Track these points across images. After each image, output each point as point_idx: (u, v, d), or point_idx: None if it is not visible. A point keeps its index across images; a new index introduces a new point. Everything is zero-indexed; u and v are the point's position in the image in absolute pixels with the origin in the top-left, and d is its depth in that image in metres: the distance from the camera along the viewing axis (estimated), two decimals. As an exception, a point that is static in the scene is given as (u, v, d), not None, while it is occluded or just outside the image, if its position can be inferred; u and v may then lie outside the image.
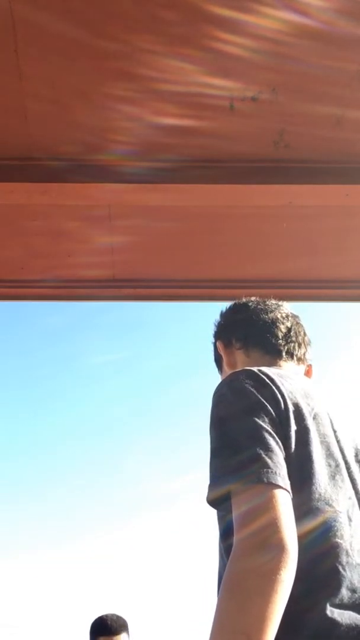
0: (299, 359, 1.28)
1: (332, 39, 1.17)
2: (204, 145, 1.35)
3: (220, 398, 1.05)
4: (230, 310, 1.38)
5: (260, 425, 0.96)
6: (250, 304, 1.35)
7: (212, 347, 1.40)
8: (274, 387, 1.04)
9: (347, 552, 0.93)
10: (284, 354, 1.26)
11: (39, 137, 1.32)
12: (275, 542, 0.83)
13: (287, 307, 1.35)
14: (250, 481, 0.89)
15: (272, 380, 1.06)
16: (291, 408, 1.02)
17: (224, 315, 1.38)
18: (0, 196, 1.40)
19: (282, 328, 1.29)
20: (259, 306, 1.33)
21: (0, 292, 1.81)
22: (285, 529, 0.85)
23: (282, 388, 1.05)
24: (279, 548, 0.83)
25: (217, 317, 1.39)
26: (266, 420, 0.98)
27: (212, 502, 0.96)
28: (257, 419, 0.97)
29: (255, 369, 1.09)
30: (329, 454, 1.04)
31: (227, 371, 1.28)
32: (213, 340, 1.38)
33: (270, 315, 1.30)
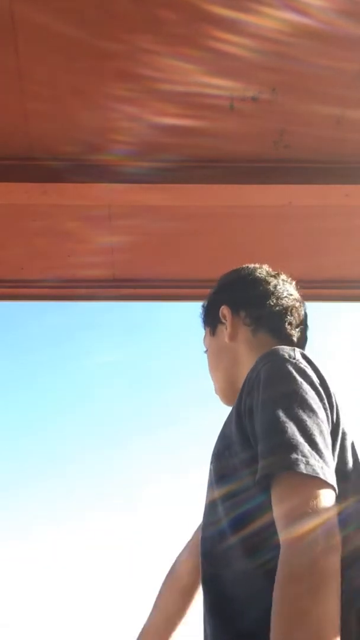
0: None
1: (332, 39, 1.17)
2: (204, 145, 1.35)
3: (282, 373, 0.97)
4: (245, 278, 1.27)
5: (322, 421, 0.92)
6: (269, 278, 1.25)
7: (206, 306, 1.29)
8: (325, 379, 0.99)
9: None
10: (293, 342, 1.19)
11: (39, 137, 1.32)
12: (333, 542, 0.82)
13: (295, 288, 1.27)
14: (313, 473, 0.85)
15: (321, 370, 1.00)
16: (336, 401, 0.98)
17: (237, 282, 1.27)
18: (0, 196, 1.40)
19: (297, 317, 1.22)
20: (278, 286, 1.24)
21: (0, 292, 1.81)
22: (336, 525, 0.84)
23: (328, 380, 0.99)
24: (336, 548, 0.82)
25: (228, 278, 1.29)
26: (324, 413, 0.94)
27: (260, 482, 0.90)
28: (319, 411, 0.93)
29: (308, 355, 1.02)
30: (355, 450, 1.01)
31: (224, 343, 1.21)
32: (214, 301, 1.27)
33: (290, 299, 1.23)
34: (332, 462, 0.90)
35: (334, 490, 0.87)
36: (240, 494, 1.01)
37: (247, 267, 1.29)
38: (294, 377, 0.96)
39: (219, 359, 1.23)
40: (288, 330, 1.20)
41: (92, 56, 1.18)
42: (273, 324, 1.20)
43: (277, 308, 1.21)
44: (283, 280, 1.26)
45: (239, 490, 1.01)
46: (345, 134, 1.33)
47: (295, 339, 1.20)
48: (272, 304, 1.21)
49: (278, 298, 1.22)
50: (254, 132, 1.33)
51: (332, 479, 0.87)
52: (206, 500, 1.12)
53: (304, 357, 1.02)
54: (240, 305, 1.22)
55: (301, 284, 1.79)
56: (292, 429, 0.90)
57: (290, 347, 1.04)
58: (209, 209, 1.56)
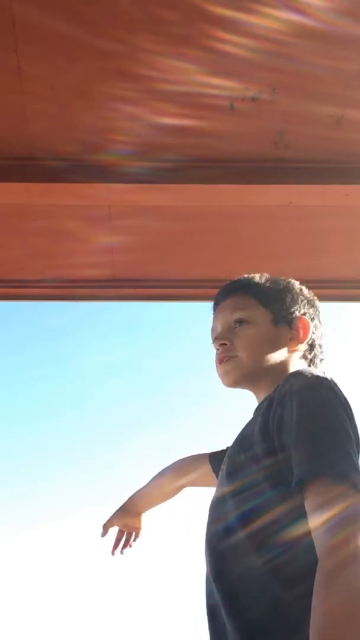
0: None
1: (332, 39, 1.17)
2: (204, 145, 1.35)
3: (324, 394, 1.02)
4: (320, 313, 1.32)
5: (352, 439, 0.98)
6: (315, 302, 1.31)
7: (277, 298, 1.26)
8: (351, 407, 1.04)
9: None
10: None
11: (39, 137, 1.32)
12: None
13: None
14: (347, 479, 0.91)
15: (348, 399, 1.05)
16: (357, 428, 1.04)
17: (318, 310, 1.31)
18: (0, 196, 1.40)
19: (326, 343, 1.30)
20: (319, 309, 1.31)
21: (0, 292, 1.81)
22: None
23: (352, 408, 1.05)
24: None
25: (310, 294, 1.31)
26: (353, 434, 0.99)
27: (297, 484, 0.94)
28: (350, 432, 0.98)
29: (334, 383, 1.07)
30: None
31: (286, 339, 1.22)
32: (292, 303, 1.26)
33: (325, 327, 1.31)
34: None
35: None
36: (250, 489, 1.03)
37: (306, 288, 1.34)
38: (336, 403, 1.01)
39: (269, 345, 1.21)
40: (321, 357, 1.27)
41: (92, 56, 1.18)
42: (317, 357, 1.27)
43: (323, 348, 1.29)
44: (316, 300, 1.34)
45: (249, 485, 1.03)
46: (345, 134, 1.33)
47: (321, 360, 1.28)
48: (324, 343, 1.29)
49: (321, 321, 1.30)
50: (254, 132, 1.33)
51: None
52: (214, 496, 1.14)
53: (344, 396, 1.06)
54: (315, 329, 1.26)
55: (301, 284, 1.79)
56: (329, 441, 0.96)
57: (321, 371, 1.12)
58: (209, 209, 1.56)
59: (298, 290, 1.31)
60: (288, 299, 1.27)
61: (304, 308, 1.28)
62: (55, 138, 1.33)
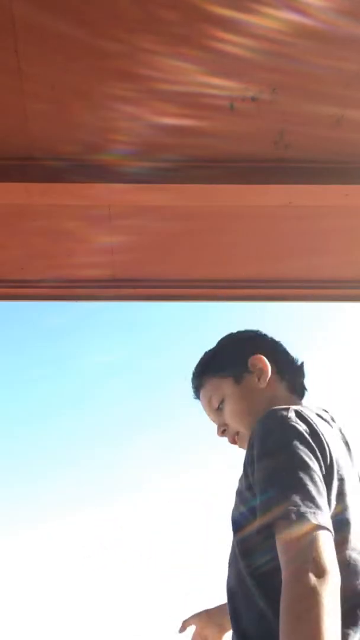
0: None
1: (332, 39, 1.17)
2: (204, 145, 1.35)
3: (278, 430, 1.10)
4: (263, 336, 1.42)
5: (314, 470, 1.04)
6: (259, 333, 1.43)
7: (224, 354, 1.39)
8: (320, 434, 1.10)
9: None
10: (304, 397, 1.35)
11: (39, 137, 1.32)
12: (331, 577, 0.93)
13: None
14: (305, 520, 0.98)
15: (317, 425, 1.12)
16: (331, 453, 1.10)
17: (258, 337, 1.41)
18: (0, 196, 1.40)
19: (306, 372, 1.38)
20: (266, 336, 1.42)
21: (0, 292, 1.81)
22: (332, 563, 0.95)
23: (325, 434, 1.11)
24: (332, 582, 0.93)
25: (243, 334, 1.42)
26: (316, 464, 1.05)
27: (261, 531, 1.03)
28: (310, 462, 1.04)
29: (303, 412, 1.14)
30: (348, 496, 1.12)
31: (256, 389, 1.31)
32: (241, 350, 1.37)
33: (296, 358, 1.38)
34: (325, 506, 1.01)
35: (329, 531, 0.99)
36: (242, 527, 1.15)
37: (249, 329, 1.45)
38: (287, 435, 1.08)
39: (251, 404, 1.30)
40: (302, 382, 1.36)
41: (92, 56, 1.18)
42: (294, 377, 1.36)
43: (297, 364, 1.37)
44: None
45: (243, 524, 1.15)
46: (345, 134, 1.33)
47: (305, 392, 1.36)
48: (292, 359, 1.37)
49: (291, 354, 1.39)
50: (254, 132, 1.33)
51: (325, 522, 0.98)
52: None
53: (298, 414, 1.13)
54: (271, 355, 1.36)
55: (301, 284, 1.79)
56: (285, 480, 1.03)
57: (285, 407, 1.15)
58: (209, 209, 1.56)
59: (237, 337, 1.43)
60: (234, 353, 1.38)
61: (251, 347, 1.38)
62: (55, 138, 1.33)
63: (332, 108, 1.29)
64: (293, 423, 1.10)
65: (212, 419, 1.40)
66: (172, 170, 1.37)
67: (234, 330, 1.44)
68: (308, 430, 1.09)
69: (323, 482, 1.04)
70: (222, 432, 1.36)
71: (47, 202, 1.44)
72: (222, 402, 1.35)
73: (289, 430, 1.09)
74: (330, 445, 1.10)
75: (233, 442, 1.35)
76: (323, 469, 1.06)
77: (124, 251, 1.70)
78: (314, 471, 1.03)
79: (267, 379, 1.32)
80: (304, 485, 1.01)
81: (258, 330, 1.44)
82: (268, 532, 1.02)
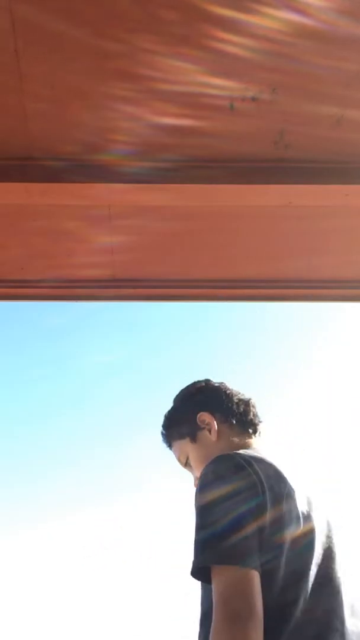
0: (263, 437, 1.48)
1: (332, 39, 1.17)
2: (204, 145, 1.35)
3: (207, 483, 1.20)
4: (203, 388, 1.54)
5: (241, 511, 1.13)
6: (219, 385, 1.53)
7: (177, 417, 1.53)
8: (254, 476, 1.18)
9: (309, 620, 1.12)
10: (258, 432, 1.46)
11: (39, 137, 1.32)
12: (246, 614, 1.03)
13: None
14: (230, 562, 1.08)
15: (252, 467, 1.20)
16: (268, 494, 1.17)
17: (199, 392, 1.54)
18: (0, 196, 1.40)
19: (254, 409, 1.49)
20: (229, 388, 1.52)
21: (0, 292, 1.81)
22: (254, 605, 1.04)
23: (261, 475, 1.19)
24: (249, 618, 1.03)
25: (186, 391, 1.56)
26: (246, 507, 1.14)
27: (194, 576, 1.15)
28: (238, 505, 1.13)
29: (237, 456, 1.24)
30: (303, 533, 1.20)
31: (211, 443, 1.44)
32: (184, 413, 1.51)
33: (242, 396, 1.51)
34: (249, 547, 1.09)
35: (254, 569, 1.08)
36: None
37: (197, 380, 1.57)
38: (220, 484, 1.17)
39: (210, 456, 1.37)
40: (250, 420, 1.46)
41: (92, 56, 1.18)
42: (243, 418, 1.46)
43: (241, 404, 1.48)
44: (226, 384, 1.55)
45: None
46: (345, 134, 1.33)
47: (257, 427, 1.46)
48: (235, 401, 1.48)
49: (234, 395, 1.50)
50: (254, 132, 1.33)
51: (248, 562, 1.08)
52: None
53: (243, 458, 1.22)
54: (213, 407, 1.48)
55: (301, 284, 1.79)
56: (210, 528, 1.13)
57: (220, 456, 1.25)
58: (209, 209, 1.56)
59: (186, 396, 1.55)
60: (184, 415, 1.50)
61: (198, 405, 1.50)
62: (55, 138, 1.33)
63: (332, 108, 1.29)
64: (224, 469, 1.20)
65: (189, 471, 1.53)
66: (172, 170, 1.37)
67: (185, 386, 1.58)
68: (237, 471, 1.19)
69: (254, 521, 1.13)
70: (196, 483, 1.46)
71: (47, 202, 1.44)
72: (187, 459, 1.50)
73: (218, 481, 1.18)
74: (265, 483, 1.18)
75: None
76: (255, 506, 1.15)
77: (124, 251, 1.70)
78: (243, 517, 1.12)
79: (216, 430, 1.45)
80: (228, 531, 1.11)
81: (203, 382, 1.56)
82: (197, 577, 1.14)
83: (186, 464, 1.51)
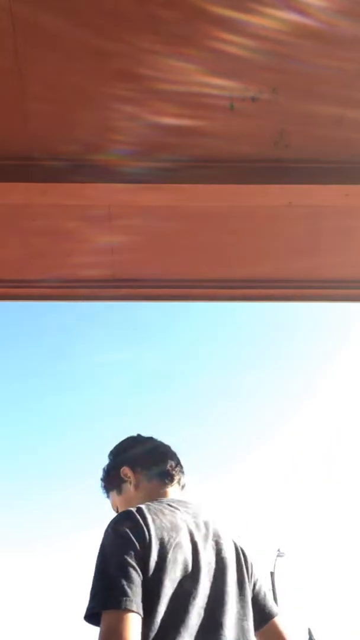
0: (182, 486, 1.65)
1: (332, 39, 1.17)
2: (204, 145, 1.35)
3: (105, 535, 1.37)
4: (129, 442, 1.73)
5: (127, 561, 1.27)
6: (143, 439, 1.73)
7: (107, 471, 1.72)
8: (144, 527, 1.33)
9: None
10: (174, 481, 1.62)
11: (39, 137, 1.32)
12: None
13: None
14: (112, 606, 1.21)
15: (145, 520, 1.35)
16: (154, 544, 1.31)
17: (126, 446, 1.72)
18: (0, 196, 1.40)
19: (174, 459, 1.67)
20: (152, 443, 1.72)
21: (0, 292, 1.80)
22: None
23: (151, 526, 1.34)
24: None
25: (116, 448, 1.74)
26: (132, 555, 1.28)
27: (86, 619, 1.26)
28: (125, 556, 1.28)
29: (133, 512, 1.39)
30: (188, 577, 1.33)
31: (131, 493, 1.63)
32: (112, 468, 1.70)
33: (163, 449, 1.69)
34: (129, 592, 1.22)
35: (134, 612, 1.20)
36: None
37: (127, 436, 1.76)
38: (112, 538, 1.34)
39: (130, 506, 1.52)
40: (168, 471, 1.63)
41: (92, 56, 1.18)
42: (158, 468, 1.64)
43: (159, 458, 1.66)
44: (151, 437, 1.73)
45: None
46: (345, 134, 1.33)
47: (174, 477, 1.63)
48: (155, 455, 1.67)
49: (155, 448, 1.69)
50: (254, 132, 1.33)
51: (126, 605, 1.19)
52: None
53: (140, 512, 1.38)
54: (135, 462, 1.66)
55: (301, 284, 1.79)
56: (99, 576, 1.28)
57: (125, 511, 1.41)
58: (209, 209, 1.56)
59: (113, 453, 1.73)
60: (112, 471, 1.70)
61: (121, 462, 1.68)
62: (55, 138, 1.33)
63: (333, 108, 1.29)
64: (119, 522, 1.37)
65: None
66: (172, 170, 1.37)
67: (115, 443, 1.78)
68: (129, 524, 1.35)
69: (138, 567, 1.27)
70: None
71: (47, 202, 1.44)
72: (117, 508, 1.69)
73: (111, 535, 1.35)
74: (153, 534, 1.33)
75: None
76: (141, 553, 1.29)
77: (124, 251, 1.70)
78: (123, 565, 1.26)
79: (135, 484, 1.64)
80: (112, 579, 1.25)
81: (131, 439, 1.74)
82: (92, 622, 1.26)
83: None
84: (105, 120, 1.29)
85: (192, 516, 1.48)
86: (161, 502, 1.51)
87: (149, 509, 1.41)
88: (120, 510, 1.63)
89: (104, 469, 1.75)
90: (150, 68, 1.20)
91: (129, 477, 1.66)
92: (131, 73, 1.21)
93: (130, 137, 1.33)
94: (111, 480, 1.71)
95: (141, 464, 1.66)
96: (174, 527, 1.39)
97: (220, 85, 1.23)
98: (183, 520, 1.44)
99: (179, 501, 1.55)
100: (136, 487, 1.63)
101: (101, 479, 1.75)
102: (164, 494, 1.59)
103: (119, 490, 1.68)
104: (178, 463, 1.67)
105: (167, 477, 1.62)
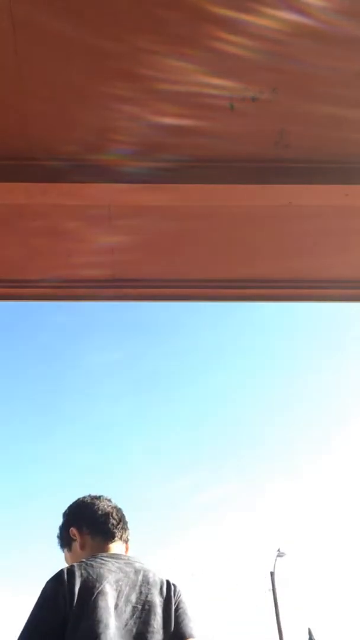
0: (124, 540, 1.89)
1: (332, 39, 1.17)
2: (204, 145, 1.35)
3: (39, 594, 1.58)
4: (77, 505, 1.95)
5: (43, 616, 1.52)
6: (91, 500, 1.94)
7: (60, 530, 1.94)
8: (68, 584, 1.56)
9: None
10: (116, 537, 1.85)
11: (38, 137, 1.32)
12: None
13: (112, 502, 1.97)
14: None
15: (72, 577, 1.57)
16: (77, 594, 1.53)
17: (75, 508, 1.94)
18: (0, 196, 1.40)
19: (116, 518, 1.89)
20: (98, 502, 1.93)
21: (0, 292, 1.80)
22: None
23: (76, 581, 1.57)
24: None
25: (68, 509, 1.95)
26: (50, 610, 1.52)
27: None
28: (43, 611, 1.53)
29: (66, 570, 1.61)
30: (112, 618, 1.53)
31: (78, 551, 1.85)
32: (65, 527, 1.92)
33: (107, 509, 1.90)
34: None
35: None
36: None
37: (79, 498, 1.97)
38: (40, 596, 1.57)
39: (75, 562, 1.72)
40: (110, 529, 1.86)
41: (92, 56, 1.18)
42: (101, 527, 1.87)
43: (102, 517, 1.88)
44: (99, 497, 1.96)
45: None
46: (345, 134, 1.33)
47: (115, 534, 1.86)
48: (97, 513, 1.89)
49: (99, 509, 1.90)
50: (254, 132, 1.33)
51: None
52: None
53: (70, 571, 1.61)
54: (81, 522, 1.89)
55: (301, 284, 1.79)
56: (23, 631, 1.50)
57: (59, 570, 1.63)
58: (209, 209, 1.56)
59: (64, 515, 1.94)
60: (63, 530, 1.93)
61: (70, 522, 1.91)
62: (55, 138, 1.33)
63: (333, 108, 1.29)
64: (50, 580, 1.58)
65: None
66: (172, 170, 1.37)
67: (68, 504, 1.99)
68: (55, 580, 1.58)
69: (56, 619, 1.49)
70: None
71: (47, 202, 1.44)
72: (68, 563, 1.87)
73: (41, 592, 1.57)
74: (76, 588, 1.54)
75: None
76: (62, 604, 1.52)
77: (124, 251, 1.70)
78: (45, 619, 1.50)
79: (81, 542, 1.86)
80: (30, 633, 1.48)
81: (80, 500, 1.95)
82: None
83: None
84: (105, 120, 1.29)
85: (124, 566, 1.71)
86: (96, 557, 1.73)
87: (80, 566, 1.65)
88: (70, 562, 1.87)
89: (59, 527, 1.98)
90: (150, 68, 1.20)
91: (76, 537, 1.89)
92: (131, 73, 1.21)
93: (130, 137, 1.33)
94: (63, 538, 1.94)
95: (87, 524, 1.89)
96: (99, 577, 1.61)
97: (220, 85, 1.23)
98: (111, 570, 1.66)
99: (114, 554, 1.79)
100: (82, 546, 1.86)
101: (57, 536, 1.97)
102: (107, 549, 1.81)
103: (69, 548, 1.91)
104: (120, 520, 1.90)
105: (108, 535, 1.85)
